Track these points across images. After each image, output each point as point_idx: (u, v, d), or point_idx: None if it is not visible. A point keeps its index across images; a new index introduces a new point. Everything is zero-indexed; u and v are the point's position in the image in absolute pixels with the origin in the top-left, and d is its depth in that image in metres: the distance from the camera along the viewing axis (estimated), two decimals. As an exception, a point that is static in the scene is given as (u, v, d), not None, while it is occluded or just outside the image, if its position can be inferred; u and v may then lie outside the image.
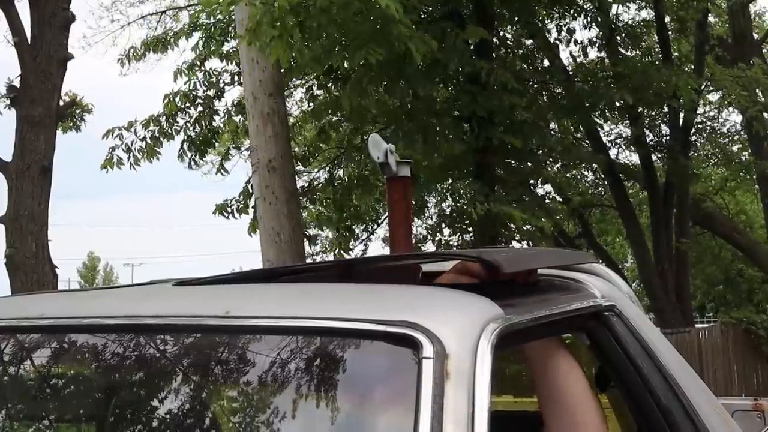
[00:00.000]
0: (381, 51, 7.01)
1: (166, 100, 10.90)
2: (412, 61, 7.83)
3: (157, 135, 10.77)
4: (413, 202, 9.51)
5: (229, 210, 10.39)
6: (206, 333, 1.49)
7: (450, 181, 10.02)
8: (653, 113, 14.08)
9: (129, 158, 10.51)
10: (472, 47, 9.18)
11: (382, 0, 6.28)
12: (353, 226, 12.02)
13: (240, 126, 11.37)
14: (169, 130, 10.88)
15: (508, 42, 11.70)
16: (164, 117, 10.88)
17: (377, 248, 14.25)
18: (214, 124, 11.30)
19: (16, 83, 8.63)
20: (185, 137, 11.06)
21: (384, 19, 6.74)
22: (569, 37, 11.56)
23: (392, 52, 7.29)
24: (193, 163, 11.19)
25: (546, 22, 11.31)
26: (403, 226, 6.40)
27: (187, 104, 11.08)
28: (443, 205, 11.91)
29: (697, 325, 16.00)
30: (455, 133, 9.79)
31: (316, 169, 12.55)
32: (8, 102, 9.08)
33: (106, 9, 15.58)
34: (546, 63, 12.22)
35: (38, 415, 1.62)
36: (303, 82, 11.68)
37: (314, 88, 11.52)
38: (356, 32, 7.15)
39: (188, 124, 11.06)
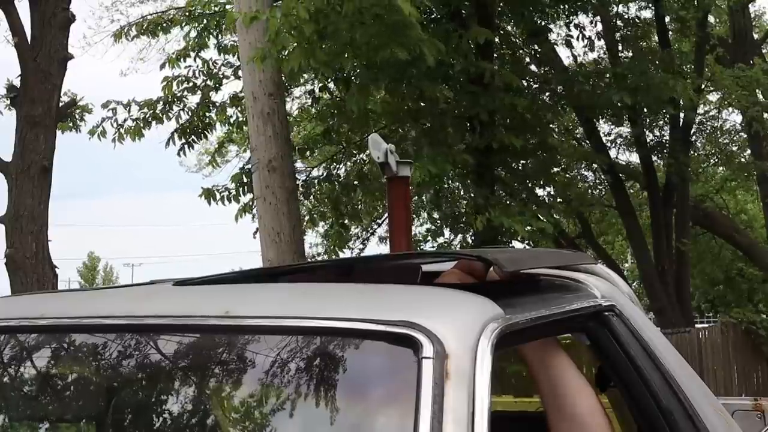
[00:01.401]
0: (402, 50, 7.03)
1: (165, 83, 10.89)
2: (420, 63, 7.83)
3: (149, 119, 10.83)
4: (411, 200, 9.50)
5: (218, 197, 10.35)
6: (206, 333, 1.49)
7: (451, 174, 9.95)
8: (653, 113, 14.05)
9: (115, 133, 10.64)
10: (473, 48, 9.16)
11: (404, 5, 6.28)
12: (351, 225, 11.98)
13: (234, 119, 11.41)
14: (161, 116, 10.93)
15: (511, 40, 11.67)
16: (162, 102, 10.93)
17: (374, 247, 14.23)
18: (208, 114, 11.32)
19: (16, 83, 8.62)
20: (177, 125, 11.10)
21: (403, 23, 6.75)
22: (579, 34, 11.54)
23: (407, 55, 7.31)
24: (182, 151, 11.25)
25: (548, 20, 11.29)
26: (403, 226, 6.41)
27: (185, 93, 11.10)
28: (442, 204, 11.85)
29: (697, 325, 15.97)
30: (458, 134, 9.78)
31: (313, 166, 12.52)
32: (8, 102, 9.07)
33: (107, 9, 15.55)
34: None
35: (38, 416, 1.62)
36: (303, 81, 11.66)
37: (316, 90, 11.51)
38: (369, 35, 7.13)
39: (182, 112, 11.10)
